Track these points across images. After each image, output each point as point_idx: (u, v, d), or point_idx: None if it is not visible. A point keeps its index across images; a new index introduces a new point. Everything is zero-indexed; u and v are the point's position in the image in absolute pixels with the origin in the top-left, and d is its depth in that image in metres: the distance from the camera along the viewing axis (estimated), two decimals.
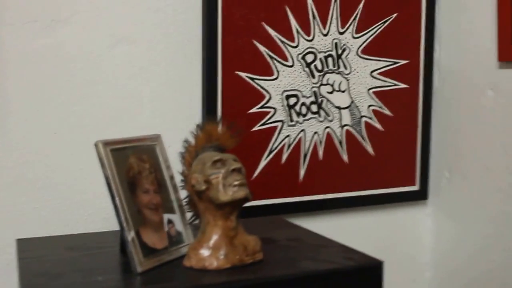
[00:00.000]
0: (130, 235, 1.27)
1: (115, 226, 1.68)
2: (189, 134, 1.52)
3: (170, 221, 1.40)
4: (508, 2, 1.82)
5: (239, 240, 1.36)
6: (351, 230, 2.04)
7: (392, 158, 2.09)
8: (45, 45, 1.65)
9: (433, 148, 2.15)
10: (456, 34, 2.06)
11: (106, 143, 1.29)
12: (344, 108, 2.00)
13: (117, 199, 1.27)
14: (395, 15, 2.05)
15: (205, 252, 1.33)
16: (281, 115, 1.91)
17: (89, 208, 1.73)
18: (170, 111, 1.81)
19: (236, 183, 1.32)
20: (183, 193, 1.48)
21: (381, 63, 2.05)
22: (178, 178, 1.48)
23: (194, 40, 1.81)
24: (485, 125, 1.97)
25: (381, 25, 2.03)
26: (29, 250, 1.46)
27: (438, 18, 2.12)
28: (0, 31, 1.60)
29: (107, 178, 1.27)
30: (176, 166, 1.50)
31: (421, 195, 2.16)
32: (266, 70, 1.88)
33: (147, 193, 1.36)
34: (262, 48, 1.87)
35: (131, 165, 1.34)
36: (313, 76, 1.95)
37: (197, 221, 1.49)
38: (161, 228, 1.37)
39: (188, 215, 1.48)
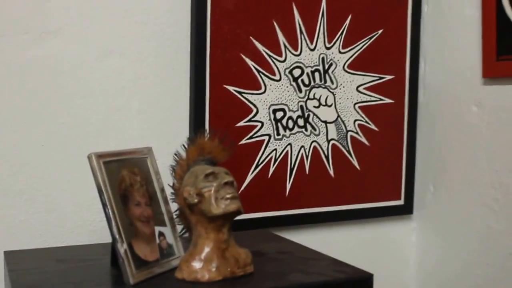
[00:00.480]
0: (123, 247, 1.27)
1: (102, 239, 1.69)
2: (177, 147, 1.52)
3: (161, 234, 1.40)
4: (493, 19, 1.85)
5: (230, 252, 1.36)
6: (337, 244, 2.05)
7: (377, 172, 2.11)
8: (35, 57, 1.65)
9: (418, 163, 2.18)
10: (441, 50, 2.09)
11: (99, 156, 1.29)
12: (330, 123, 2.02)
13: (109, 211, 1.26)
14: (381, 31, 2.08)
15: (197, 265, 1.33)
16: (268, 128, 1.92)
17: (75, 220, 1.73)
18: (157, 124, 1.81)
19: (228, 196, 1.33)
20: (173, 206, 1.48)
21: (367, 78, 2.07)
22: (168, 191, 1.48)
23: (182, 53, 1.82)
24: (469, 141, 1.99)
25: (367, 40, 2.06)
26: (18, 262, 1.45)
27: (423, 34, 2.15)
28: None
29: (100, 191, 1.27)
30: (164, 179, 1.50)
31: (406, 210, 2.18)
32: (253, 84, 1.89)
33: (139, 206, 1.36)
34: (249, 62, 1.88)
35: (123, 178, 1.34)
36: (300, 91, 1.96)
37: (186, 234, 1.49)
38: (153, 241, 1.37)
39: (179, 228, 1.48)
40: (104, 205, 1.27)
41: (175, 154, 1.47)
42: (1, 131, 1.63)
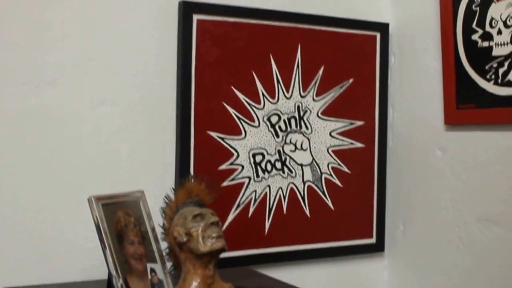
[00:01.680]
0: (119, 282, 1.38)
1: (93, 276, 1.79)
2: (165, 189, 1.64)
3: (152, 270, 1.52)
4: (452, 71, 2.02)
5: (216, 287, 1.48)
6: (313, 280, 2.17)
7: (350, 212, 2.24)
8: (34, 106, 1.77)
9: (388, 203, 2.31)
10: (407, 98, 2.25)
11: (98, 198, 1.41)
12: (306, 165, 2.16)
13: (107, 249, 1.38)
14: (351, 80, 2.23)
15: None
16: (248, 171, 2.05)
17: (69, 259, 1.82)
18: (146, 167, 1.92)
19: (214, 235, 1.46)
20: (163, 244, 1.60)
21: (339, 124, 2.22)
22: (158, 230, 1.61)
23: (169, 102, 1.95)
24: (434, 182, 2.14)
25: (339, 89, 2.21)
26: None
27: (390, 83, 2.30)
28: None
29: (99, 231, 1.39)
30: (154, 218, 1.62)
31: (378, 248, 2.30)
32: (234, 130, 2.03)
33: (133, 244, 1.48)
34: (231, 110, 2.02)
35: (119, 219, 1.46)
36: (278, 136, 2.11)
37: (173, 272, 1.62)
38: (145, 276, 1.49)
39: (168, 264, 1.60)
40: (102, 244, 1.39)
41: (165, 197, 1.60)
42: (1, 175, 1.74)
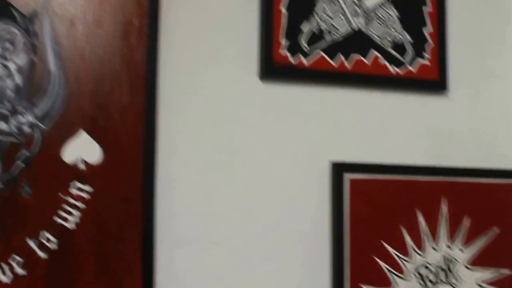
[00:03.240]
0: None
1: None
2: None
3: None
4: None
5: None
6: None
7: None
8: (202, 263, 1.93)
9: None
10: None
11: None
12: None
13: None
14: (496, 228, 2.28)
15: None
16: None
17: None
18: None
19: None
20: None
21: (486, 273, 2.25)
22: None
23: (323, 257, 2.07)
24: None
25: (485, 238, 2.26)
26: None
27: None
28: (172, 251, 1.90)
29: None
30: None
31: None
32: (385, 282, 2.11)
33: None
34: (381, 263, 2.11)
35: None
36: (427, 287, 2.16)
37: None
38: None
39: None
40: None
41: None
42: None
